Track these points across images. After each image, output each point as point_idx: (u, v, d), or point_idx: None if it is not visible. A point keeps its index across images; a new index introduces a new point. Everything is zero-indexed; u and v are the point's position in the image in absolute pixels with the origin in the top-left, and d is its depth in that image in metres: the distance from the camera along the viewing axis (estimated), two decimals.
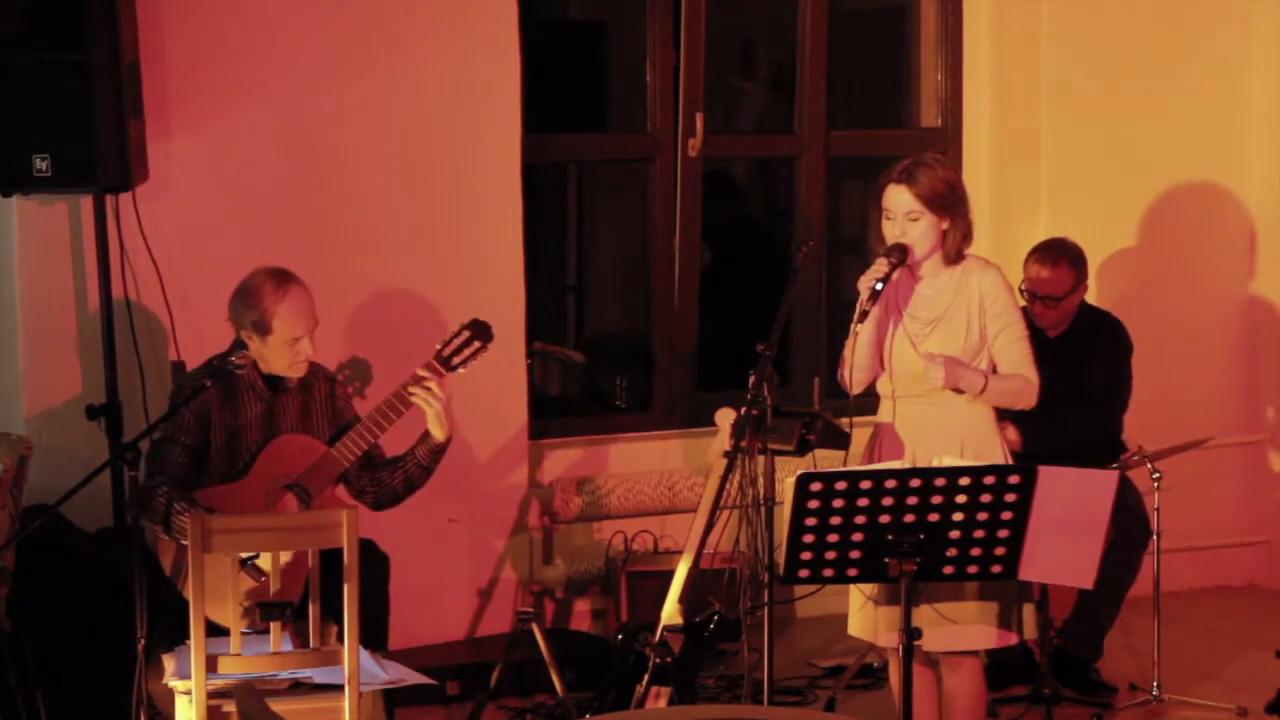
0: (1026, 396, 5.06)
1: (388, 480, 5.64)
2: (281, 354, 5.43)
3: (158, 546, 5.35)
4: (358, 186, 6.52)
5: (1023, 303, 6.33)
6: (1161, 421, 6.84)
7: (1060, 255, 6.41)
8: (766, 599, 5.50)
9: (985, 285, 5.02)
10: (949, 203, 4.99)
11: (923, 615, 4.80)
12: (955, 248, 5.03)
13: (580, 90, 7.95)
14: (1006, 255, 7.04)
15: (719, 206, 8.03)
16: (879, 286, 4.92)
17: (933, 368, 4.94)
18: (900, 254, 4.97)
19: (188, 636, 4.73)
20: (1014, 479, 4.55)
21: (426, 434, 5.58)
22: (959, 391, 4.99)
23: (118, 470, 5.68)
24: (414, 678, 5.10)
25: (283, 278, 5.45)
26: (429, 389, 5.47)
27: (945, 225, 5.00)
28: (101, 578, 5.63)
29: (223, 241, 6.17)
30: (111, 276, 5.96)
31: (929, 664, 5.12)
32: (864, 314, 4.95)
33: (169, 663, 5.00)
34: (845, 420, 5.15)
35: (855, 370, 5.06)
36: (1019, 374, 5.04)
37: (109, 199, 5.95)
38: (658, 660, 5.16)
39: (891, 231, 5.01)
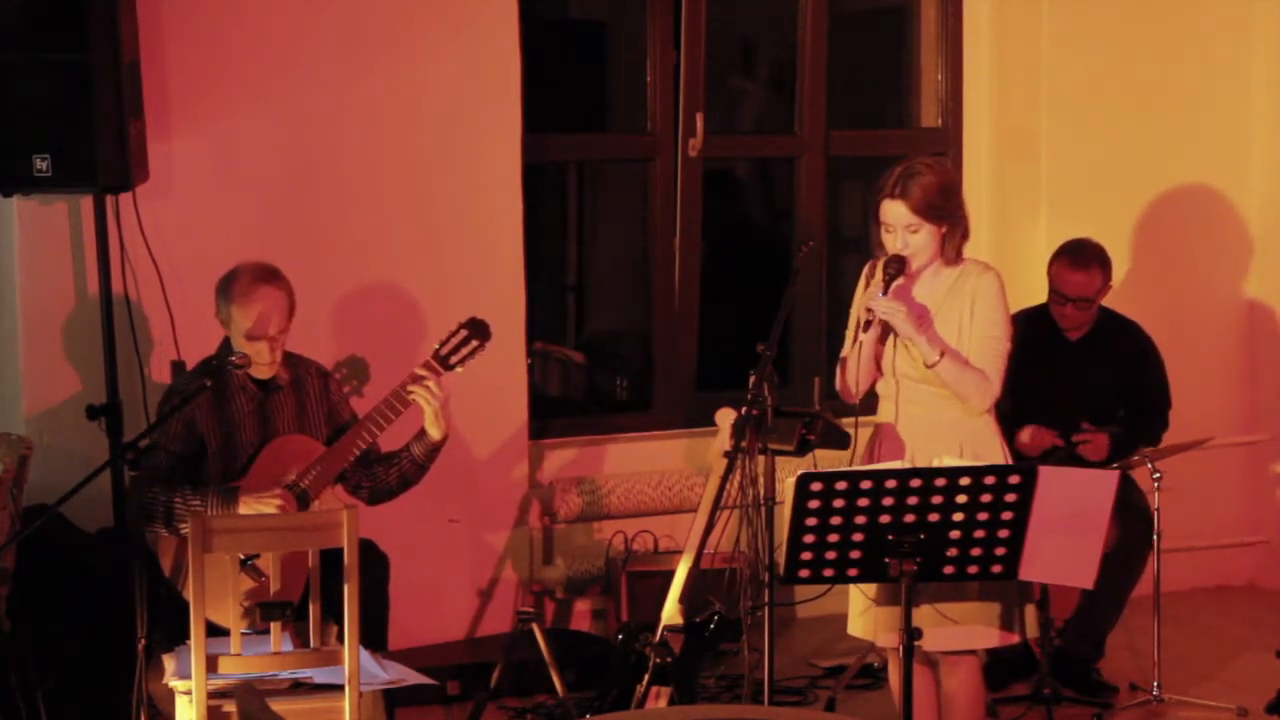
0: (980, 395, 4.97)
1: (383, 476, 5.64)
2: (243, 348, 5.44)
3: (158, 546, 5.36)
4: (358, 186, 6.52)
5: (1018, 306, 6.34)
6: None
7: (1091, 257, 6.45)
8: (767, 599, 5.50)
9: (980, 287, 5.01)
10: (945, 210, 4.98)
11: (923, 615, 4.80)
12: (955, 248, 5.03)
13: (580, 90, 7.95)
14: (1006, 255, 7.05)
15: (719, 206, 8.03)
16: (881, 295, 4.92)
17: (894, 306, 4.90)
18: (898, 265, 4.96)
19: (188, 636, 4.73)
20: (1014, 479, 4.55)
21: (423, 432, 5.58)
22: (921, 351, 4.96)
23: (118, 470, 5.68)
24: (414, 678, 5.10)
25: (261, 276, 5.46)
26: (428, 388, 5.47)
27: (944, 230, 5.00)
28: (101, 578, 5.63)
29: (223, 241, 6.16)
30: (112, 276, 5.96)
31: (928, 664, 5.11)
32: (868, 323, 4.94)
33: (169, 663, 5.00)
34: (849, 420, 5.13)
35: (851, 379, 5.05)
36: (982, 370, 5.01)
37: (109, 199, 5.95)
38: (658, 660, 5.16)
39: (893, 244, 4.99)
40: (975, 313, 4.99)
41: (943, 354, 4.93)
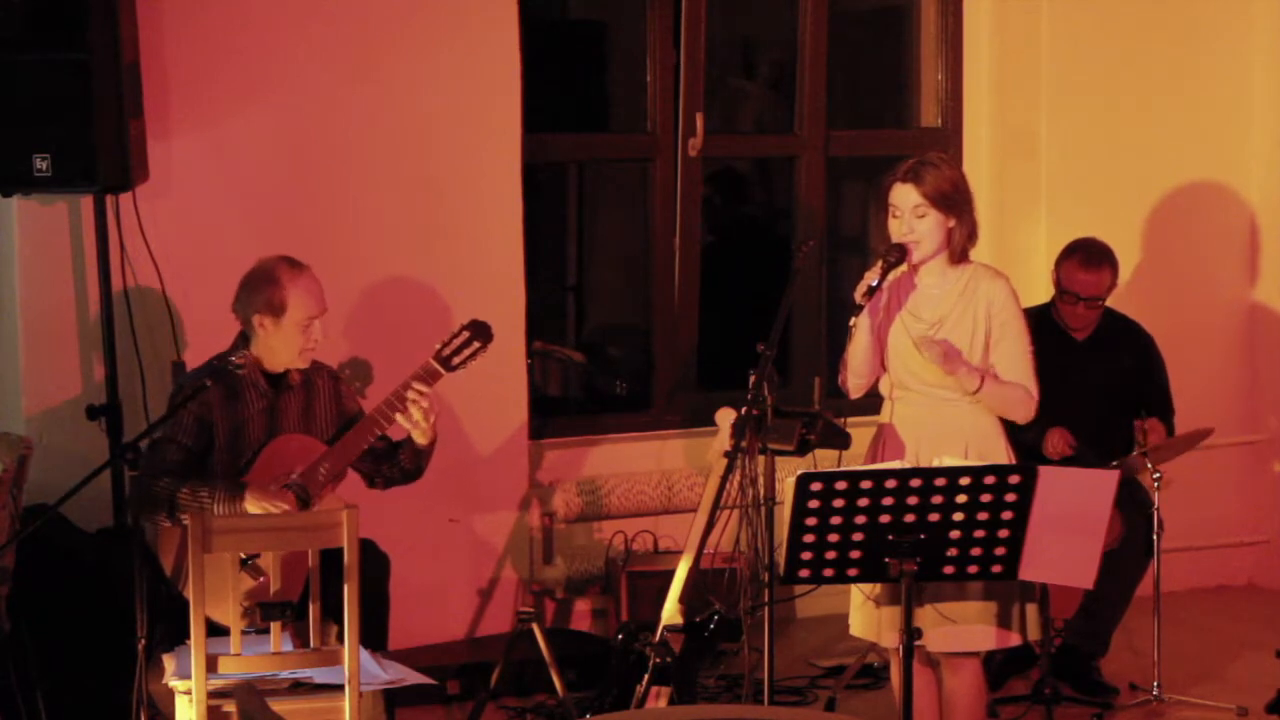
0: (1025, 408, 5.05)
1: (386, 471, 5.65)
2: (293, 338, 5.43)
3: (158, 546, 5.36)
4: (358, 186, 6.52)
5: (1028, 305, 6.35)
6: None
7: (1103, 257, 6.48)
8: (766, 599, 5.50)
9: (995, 293, 5.03)
10: (954, 202, 5.00)
11: (925, 616, 4.81)
12: (960, 247, 5.04)
13: (580, 90, 7.95)
14: (1006, 255, 7.05)
15: (720, 206, 8.02)
16: (875, 283, 4.94)
17: (930, 345, 4.92)
18: (899, 253, 4.99)
19: (188, 636, 4.73)
20: (1014, 479, 4.55)
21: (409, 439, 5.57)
22: (960, 383, 4.97)
23: (118, 470, 5.68)
24: (414, 678, 5.10)
25: (295, 262, 5.50)
26: (418, 403, 5.45)
27: (951, 224, 5.01)
28: (101, 578, 5.64)
29: (223, 241, 6.17)
30: (111, 276, 5.96)
31: (929, 664, 5.12)
32: (859, 308, 4.96)
33: (169, 663, 5.00)
34: (851, 420, 5.16)
35: (853, 373, 5.08)
36: (1020, 384, 5.03)
37: (109, 199, 5.95)
38: (658, 660, 5.16)
39: (899, 229, 5.02)
40: (995, 322, 5.01)
41: (983, 380, 4.95)
